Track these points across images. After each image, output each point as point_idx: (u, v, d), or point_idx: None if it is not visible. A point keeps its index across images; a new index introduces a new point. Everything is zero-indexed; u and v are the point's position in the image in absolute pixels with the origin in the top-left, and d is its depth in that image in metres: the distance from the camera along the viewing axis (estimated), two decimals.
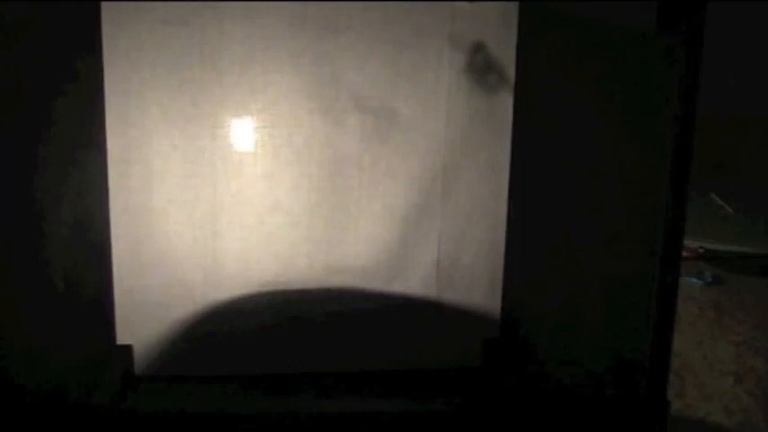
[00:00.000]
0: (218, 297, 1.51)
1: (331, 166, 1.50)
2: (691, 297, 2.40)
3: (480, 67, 1.40)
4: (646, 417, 1.30)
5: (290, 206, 1.50)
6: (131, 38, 1.40)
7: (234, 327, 1.51)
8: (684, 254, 2.60)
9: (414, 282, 1.54)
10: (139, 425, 1.33)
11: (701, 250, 2.65)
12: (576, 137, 1.35)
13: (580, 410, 1.32)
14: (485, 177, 1.52)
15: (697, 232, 2.59)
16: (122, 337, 1.49)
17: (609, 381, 1.33)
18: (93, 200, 1.43)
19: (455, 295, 1.55)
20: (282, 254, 1.51)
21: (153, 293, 1.49)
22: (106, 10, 1.39)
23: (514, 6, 1.44)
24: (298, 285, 1.52)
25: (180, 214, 1.47)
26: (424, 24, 1.46)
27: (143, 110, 1.43)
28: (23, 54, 1.23)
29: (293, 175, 1.49)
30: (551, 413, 1.33)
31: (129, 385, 1.45)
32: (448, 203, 1.52)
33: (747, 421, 1.78)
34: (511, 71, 1.45)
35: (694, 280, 2.50)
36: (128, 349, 1.48)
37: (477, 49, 1.40)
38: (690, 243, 2.60)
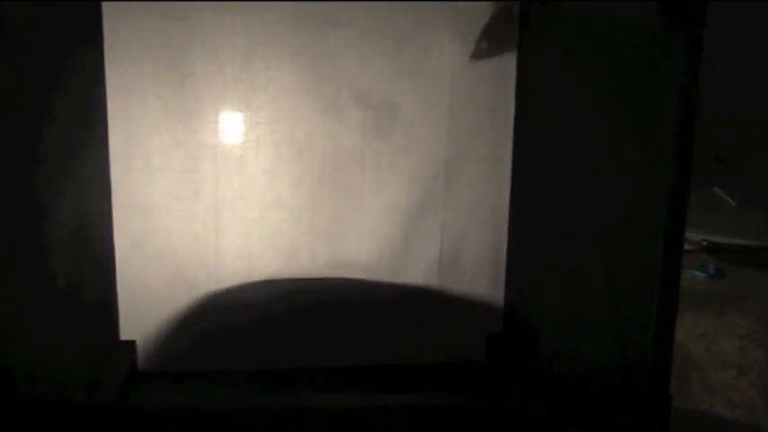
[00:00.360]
0: (221, 292, 1.51)
1: (333, 161, 1.50)
2: (694, 290, 2.39)
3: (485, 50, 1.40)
4: (648, 410, 1.29)
5: (292, 202, 1.50)
6: (132, 33, 1.40)
7: (236, 322, 1.51)
8: (687, 247, 2.60)
9: (416, 276, 1.54)
10: (144, 421, 1.33)
11: (704, 243, 2.65)
12: (577, 131, 1.34)
13: (583, 404, 1.32)
14: (487, 172, 1.52)
15: (700, 225, 2.58)
16: (125, 334, 1.49)
17: (612, 374, 1.33)
18: (95, 195, 1.43)
19: (458, 289, 1.55)
20: (284, 249, 1.52)
21: (155, 289, 1.49)
22: (107, 5, 1.39)
23: (516, 5, 1.44)
24: (300, 280, 1.53)
25: (182, 209, 1.48)
26: (426, 19, 1.46)
27: (144, 105, 1.43)
28: (23, 50, 1.23)
29: (295, 171, 1.49)
30: (554, 407, 1.33)
31: (133, 381, 1.45)
32: (450, 198, 1.52)
33: (751, 414, 1.78)
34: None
35: (697, 273, 2.49)
36: (131, 345, 1.49)
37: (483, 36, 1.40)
38: (693, 236, 2.59)
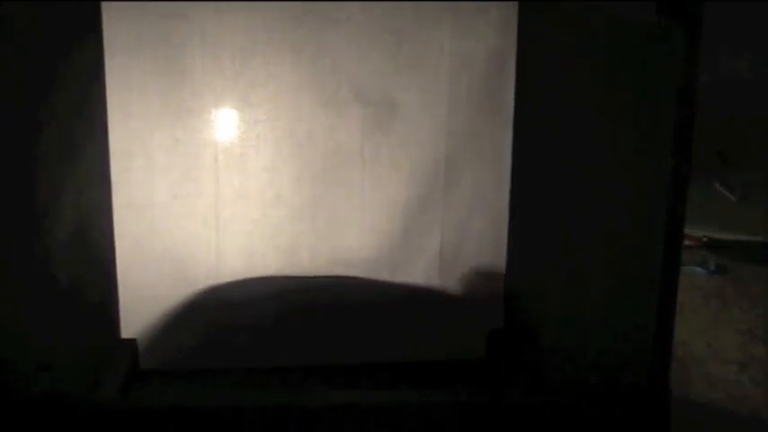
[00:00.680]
0: (222, 290, 1.51)
1: (333, 157, 1.50)
2: (695, 286, 2.39)
3: None
4: (648, 406, 1.30)
5: (293, 198, 1.50)
6: (132, 31, 1.40)
7: (237, 320, 1.52)
8: (688, 243, 2.59)
9: (416, 273, 1.54)
10: (145, 419, 1.33)
11: (704, 239, 2.64)
12: (576, 129, 1.34)
13: (584, 400, 1.32)
14: (487, 168, 1.52)
15: (701, 221, 2.58)
16: (126, 332, 1.49)
17: (612, 370, 1.33)
18: (96, 193, 1.43)
19: (458, 286, 1.55)
20: (285, 246, 1.52)
21: (156, 287, 1.49)
22: (106, 3, 1.39)
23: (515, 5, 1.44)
24: (300, 278, 1.53)
25: (182, 207, 1.48)
26: (425, 15, 1.46)
27: (145, 103, 1.43)
28: (22, 49, 1.23)
29: (295, 168, 1.49)
30: (554, 403, 1.33)
31: (134, 380, 1.46)
32: (450, 194, 1.52)
33: (751, 409, 1.78)
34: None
35: (698, 269, 2.49)
36: (132, 344, 1.49)
37: None
38: (694, 232, 2.59)
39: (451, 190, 1.52)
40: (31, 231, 1.26)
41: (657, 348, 1.26)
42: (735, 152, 2.89)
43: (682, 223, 1.22)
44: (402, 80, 1.48)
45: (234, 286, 1.51)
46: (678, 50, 1.11)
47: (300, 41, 1.44)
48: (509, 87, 1.49)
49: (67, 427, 1.29)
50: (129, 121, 1.43)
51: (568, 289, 1.39)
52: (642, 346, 1.27)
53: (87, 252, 1.41)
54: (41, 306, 1.27)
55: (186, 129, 1.45)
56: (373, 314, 1.54)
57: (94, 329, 1.43)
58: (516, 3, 1.44)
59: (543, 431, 1.33)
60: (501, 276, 1.54)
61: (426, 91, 1.49)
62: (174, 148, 1.45)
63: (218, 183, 1.48)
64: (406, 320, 1.55)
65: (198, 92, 1.44)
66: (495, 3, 1.45)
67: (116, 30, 1.40)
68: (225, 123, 1.46)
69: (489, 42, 1.47)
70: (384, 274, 1.54)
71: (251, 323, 1.52)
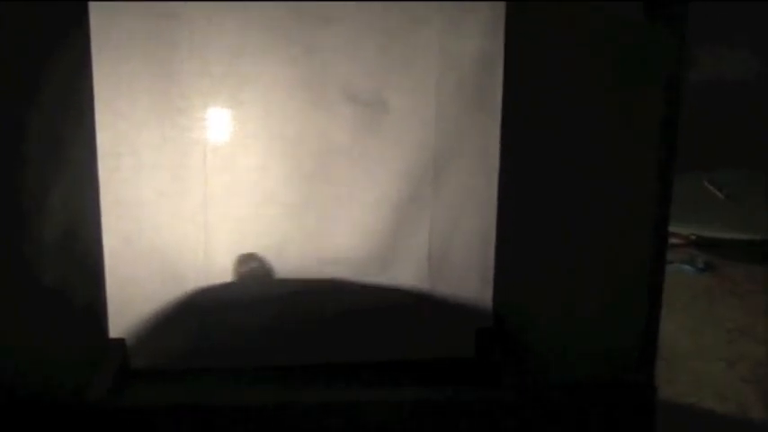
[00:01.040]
0: (211, 289, 1.51)
1: (322, 156, 1.50)
2: (683, 284, 2.40)
3: None
4: (633, 403, 1.31)
5: (282, 197, 1.50)
6: (120, 30, 1.40)
7: (226, 319, 1.51)
8: (677, 241, 2.61)
9: (406, 272, 1.54)
10: (135, 419, 1.33)
11: (693, 237, 2.66)
12: (564, 127, 1.35)
13: (571, 397, 1.33)
14: (476, 167, 1.52)
15: (689, 219, 2.59)
16: (115, 332, 1.49)
17: (599, 368, 1.34)
18: (84, 193, 1.42)
19: (447, 285, 1.55)
20: (274, 245, 1.52)
21: (145, 287, 1.49)
22: (94, 3, 1.38)
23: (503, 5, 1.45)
24: (290, 276, 1.53)
25: (171, 206, 1.47)
26: (415, 15, 1.46)
27: (133, 102, 1.43)
28: (10, 46, 1.23)
29: (285, 167, 1.49)
30: (543, 401, 1.34)
31: (124, 380, 1.45)
32: (439, 193, 1.52)
33: (739, 407, 1.79)
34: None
35: (686, 267, 2.50)
36: (121, 343, 1.49)
37: None
38: (682, 230, 2.60)
39: (441, 189, 1.52)
40: (18, 231, 1.26)
41: (643, 346, 1.27)
42: (725, 149, 2.91)
43: (666, 222, 1.23)
44: (391, 80, 1.48)
45: (222, 285, 1.51)
46: (663, 49, 1.12)
47: (290, 41, 1.44)
48: (497, 87, 1.49)
49: (57, 426, 1.29)
50: (117, 120, 1.42)
51: (556, 288, 1.39)
52: (628, 345, 1.28)
53: (75, 252, 1.40)
54: (29, 306, 1.27)
55: (175, 127, 1.45)
56: (362, 313, 1.54)
57: (83, 329, 1.43)
58: (504, 3, 1.45)
59: (531, 428, 1.34)
60: (490, 275, 1.55)
61: (416, 90, 1.49)
62: (162, 147, 1.45)
63: (207, 182, 1.48)
64: (395, 319, 1.55)
65: (186, 91, 1.44)
66: (484, 3, 1.45)
67: (104, 29, 1.39)
68: (214, 122, 1.46)
69: (478, 42, 1.47)
70: (373, 273, 1.54)
71: (240, 322, 1.52)
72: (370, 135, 1.50)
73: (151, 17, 1.40)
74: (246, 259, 1.51)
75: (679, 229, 2.59)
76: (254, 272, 1.52)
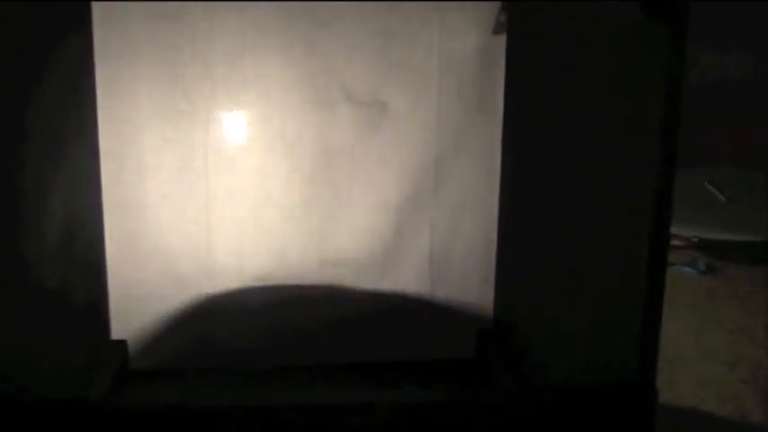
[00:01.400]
0: (213, 290, 1.51)
1: (323, 158, 1.50)
2: (684, 286, 2.41)
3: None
4: (634, 405, 1.31)
5: (283, 199, 1.50)
6: (122, 33, 1.40)
7: (228, 320, 1.52)
8: (678, 243, 2.61)
9: (407, 273, 1.54)
10: (136, 420, 1.34)
11: (694, 239, 2.66)
12: (566, 129, 1.35)
13: (571, 400, 1.33)
14: (477, 168, 1.52)
15: (690, 221, 2.60)
16: (117, 333, 1.49)
17: (600, 370, 1.34)
18: (86, 195, 1.43)
19: (448, 287, 1.55)
20: (276, 246, 1.52)
21: (147, 288, 1.49)
22: (96, 5, 1.39)
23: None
24: (291, 278, 1.53)
25: (173, 208, 1.47)
26: (415, 15, 1.46)
27: (135, 105, 1.43)
28: (12, 47, 1.23)
29: (286, 168, 1.49)
30: (544, 403, 1.34)
31: (125, 381, 1.45)
32: (440, 194, 1.52)
33: (740, 409, 1.80)
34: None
35: (688, 269, 2.51)
36: (122, 345, 1.49)
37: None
38: (683, 232, 2.61)
39: (442, 190, 1.52)
40: (19, 232, 1.26)
41: (644, 348, 1.27)
42: (724, 151, 2.91)
43: (668, 223, 1.23)
44: (392, 80, 1.48)
45: (224, 286, 1.51)
46: (664, 49, 1.12)
47: (290, 42, 1.44)
48: (499, 86, 1.49)
49: (58, 428, 1.29)
50: (119, 123, 1.42)
51: (557, 290, 1.39)
52: (629, 346, 1.28)
53: (77, 253, 1.41)
54: (31, 307, 1.27)
55: (177, 130, 1.45)
56: (362, 314, 1.54)
57: (85, 330, 1.43)
58: (505, 2, 1.45)
59: (532, 431, 1.34)
60: (491, 276, 1.55)
61: (416, 91, 1.49)
62: (164, 149, 1.45)
63: (208, 183, 1.48)
64: (396, 320, 1.55)
65: (188, 93, 1.44)
66: (484, 3, 1.45)
67: (106, 30, 1.39)
68: (215, 124, 1.46)
69: (478, 42, 1.47)
70: (374, 274, 1.54)
71: (242, 323, 1.52)
72: (371, 136, 1.50)
73: (153, 19, 1.41)
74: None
75: (680, 231, 2.60)
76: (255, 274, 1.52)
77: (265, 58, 1.45)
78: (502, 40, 1.46)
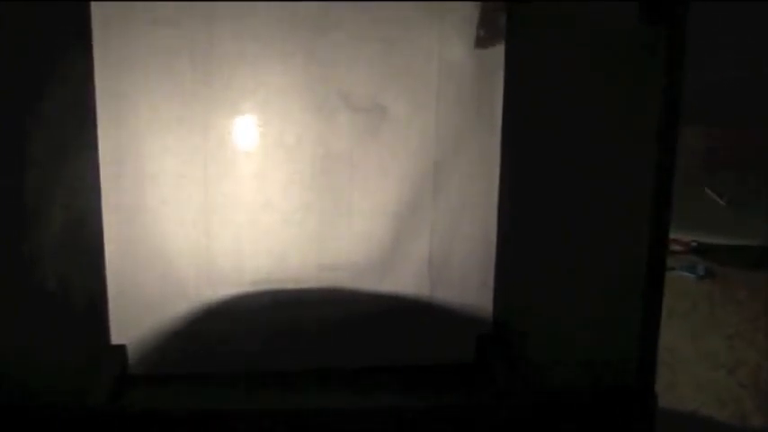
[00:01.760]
0: (212, 295, 1.51)
1: (322, 164, 1.50)
2: (683, 290, 2.41)
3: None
4: (634, 410, 1.31)
5: (282, 204, 1.51)
6: (122, 39, 1.41)
7: (228, 325, 1.52)
8: (677, 248, 2.61)
9: (406, 278, 1.55)
10: (135, 425, 1.34)
11: (693, 244, 2.66)
12: (565, 129, 1.35)
13: (570, 404, 1.33)
14: (476, 173, 1.53)
15: (689, 226, 2.60)
16: (117, 337, 1.49)
17: (599, 374, 1.34)
18: (86, 201, 1.43)
19: (447, 291, 1.56)
20: (275, 252, 1.52)
21: (147, 293, 1.49)
22: (96, 10, 1.39)
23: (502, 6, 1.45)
24: (290, 282, 1.53)
25: (173, 214, 1.48)
26: (414, 22, 1.47)
27: (134, 111, 1.43)
28: (12, 51, 1.23)
29: (285, 174, 1.50)
30: (543, 408, 1.34)
31: (124, 385, 1.46)
32: (439, 199, 1.53)
33: (740, 412, 1.79)
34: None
35: (687, 273, 2.51)
36: (122, 349, 1.49)
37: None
38: (682, 236, 2.61)
39: (440, 195, 1.53)
40: (20, 236, 1.26)
41: (643, 352, 1.27)
42: (724, 152, 2.91)
43: (667, 226, 1.23)
44: (391, 86, 1.49)
45: (224, 291, 1.52)
46: (660, 54, 1.13)
47: (289, 49, 1.45)
48: (497, 92, 1.50)
49: (56, 430, 1.29)
50: (119, 129, 1.43)
51: (556, 293, 1.39)
52: (628, 351, 1.28)
53: (77, 257, 1.41)
54: (30, 311, 1.28)
55: (176, 136, 1.45)
56: (362, 319, 1.54)
57: (84, 335, 1.43)
58: (504, 8, 1.45)
59: None
60: (490, 280, 1.55)
61: (415, 97, 1.49)
62: (164, 156, 1.45)
63: (208, 189, 1.48)
64: (395, 324, 1.55)
65: (187, 100, 1.44)
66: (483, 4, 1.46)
67: (106, 35, 1.40)
68: (214, 131, 1.47)
69: (477, 48, 1.48)
70: (373, 278, 1.54)
71: (241, 328, 1.52)
72: (370, 142, 1.50)
73: (152, 25, 1.41)
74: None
75: (679, 236, 2.60)
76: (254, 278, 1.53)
77: (265, 65, 1.45)
78: (501, 48, 1.47)
